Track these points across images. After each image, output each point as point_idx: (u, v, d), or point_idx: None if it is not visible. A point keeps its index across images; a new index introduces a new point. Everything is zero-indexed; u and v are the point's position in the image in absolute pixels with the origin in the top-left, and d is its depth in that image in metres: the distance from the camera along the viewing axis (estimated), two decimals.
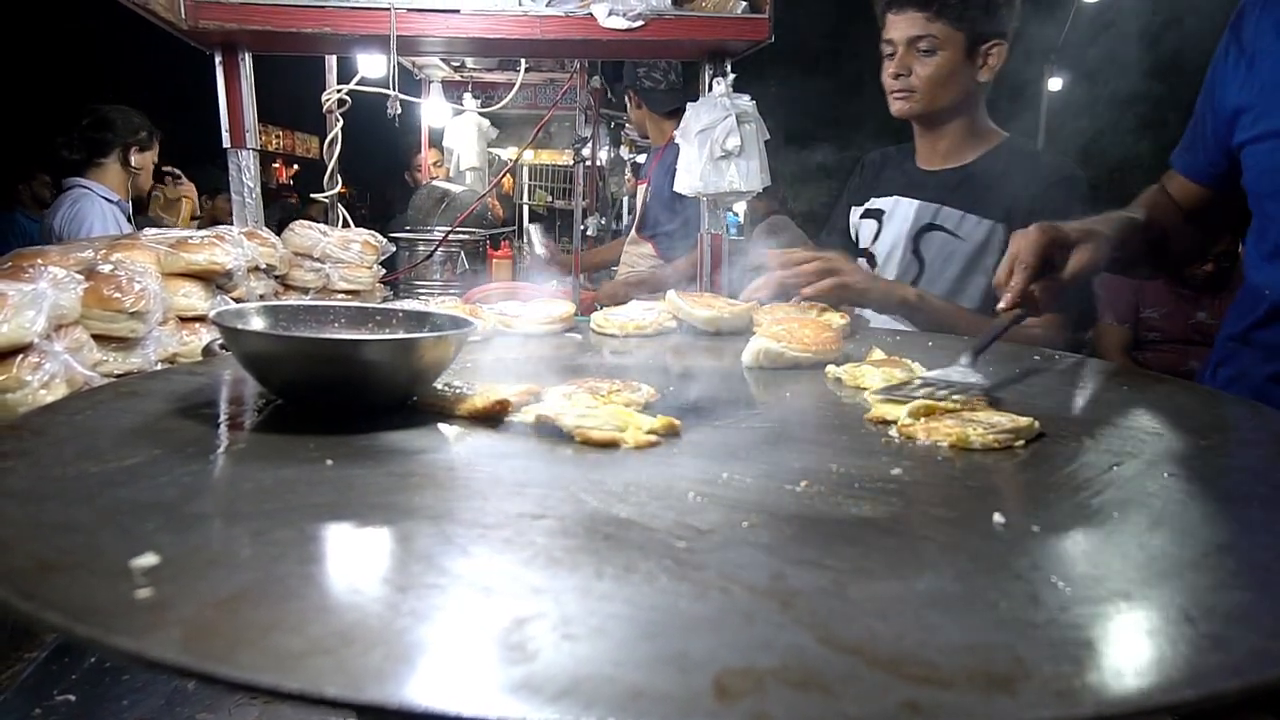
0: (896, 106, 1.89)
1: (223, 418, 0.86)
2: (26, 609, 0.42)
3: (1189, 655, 0.41)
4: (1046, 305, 1.16)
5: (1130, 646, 0.42)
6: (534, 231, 3.71)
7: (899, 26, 1.82)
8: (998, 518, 0.61)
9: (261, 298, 2.11)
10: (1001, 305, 1.17)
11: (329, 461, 0.71)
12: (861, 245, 2.08)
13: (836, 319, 1.40)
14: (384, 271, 2.61)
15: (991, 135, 1.95)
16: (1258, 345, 1.17)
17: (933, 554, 0.54)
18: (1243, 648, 0.41)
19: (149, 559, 0.48)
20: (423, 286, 3.01)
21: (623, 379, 1.01)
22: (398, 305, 1.14)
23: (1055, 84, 10.19)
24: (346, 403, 0.86)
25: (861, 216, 2.09)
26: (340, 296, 2.39)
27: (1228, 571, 0.52)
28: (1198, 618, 0.45)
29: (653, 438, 0.79)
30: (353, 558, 0.52)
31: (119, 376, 1.41)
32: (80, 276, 1.33)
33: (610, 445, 0.78)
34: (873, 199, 2.07)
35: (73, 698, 0.98)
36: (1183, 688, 0.38)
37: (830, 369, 1.14)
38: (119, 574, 0.47)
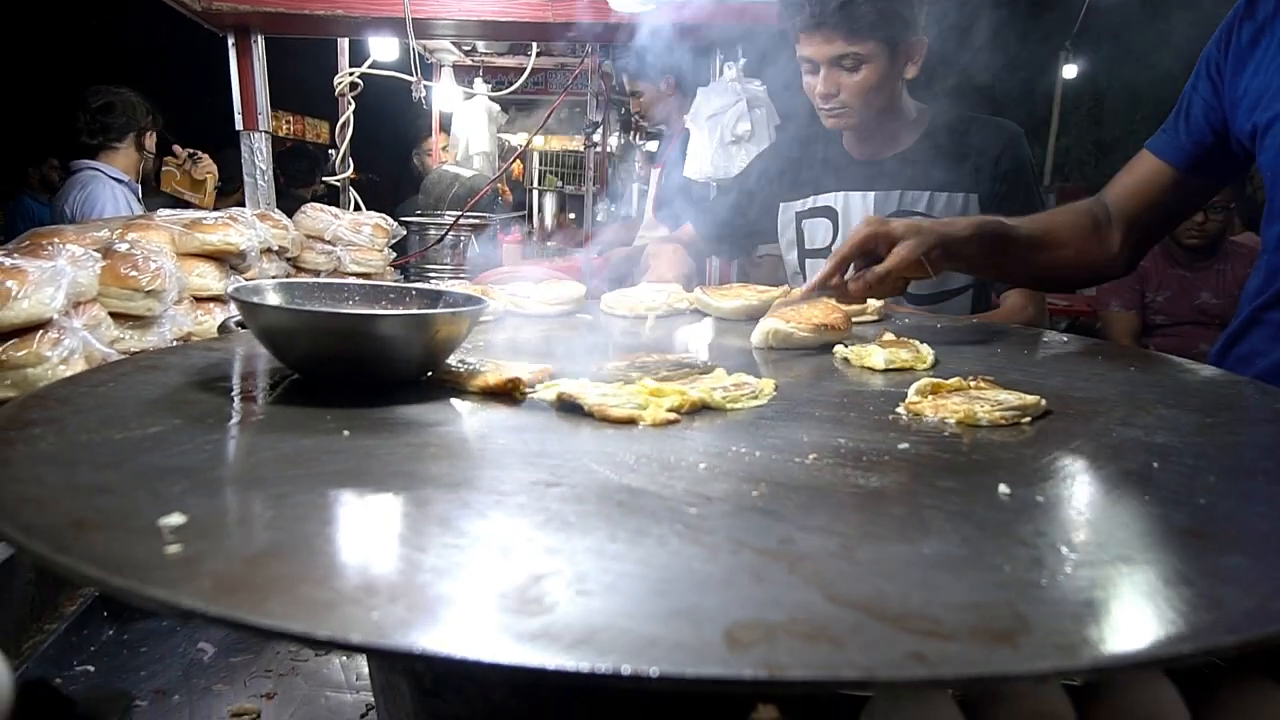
0: (830, 123, 1.85)
1: (240, 390, 0.88)
2: (64, 562, 0.44)
3: (1186, 613, 0.42)
4: (857, 295, 1.20)
5: (1129, 605, 0.43)
6: (548, 203, 3.69)
7: (817, 46, 1.75)
8: (1003, 488, 0.62)
9: (273, 279, 2.13)
10: (800, 291, 1.23)
11: (346, 433, 0.73)
12: (815, 246, 2.00)
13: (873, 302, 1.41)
14: (395, 255, 2.63)
15: (920, 114, 1.92)
16: (1270, 324, 1.17)
17: (939, 521, 0.55)
18: (1239, 607, 0.43)
19: (177, 518, 0.50)
20: (433, 271, 3.02)
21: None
22: (411, 285, 1.15)
23: (1070, 71, 10.08)
24: (361, 377, 0.88)
25: (805, 216, 2.00)
26: (351, 279, 2.40)
27: (1228, 538, 0.53)
28: (1196, 579, 0.46)
29: (672, 415, 0.80)
30: (373, 520, 0.53)
31: (135, 353, 1.43)
32: (98, 255, 1.35)
33: (629, 423, 0.79)
34: (814, 196, 1.98)
35: (91, 668, 1.01)
36: (1179, 643, 0.39)
37: (838, 349, 1.15)
38: (150, 532, 0.48)
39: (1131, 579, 0.46)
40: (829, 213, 1.96)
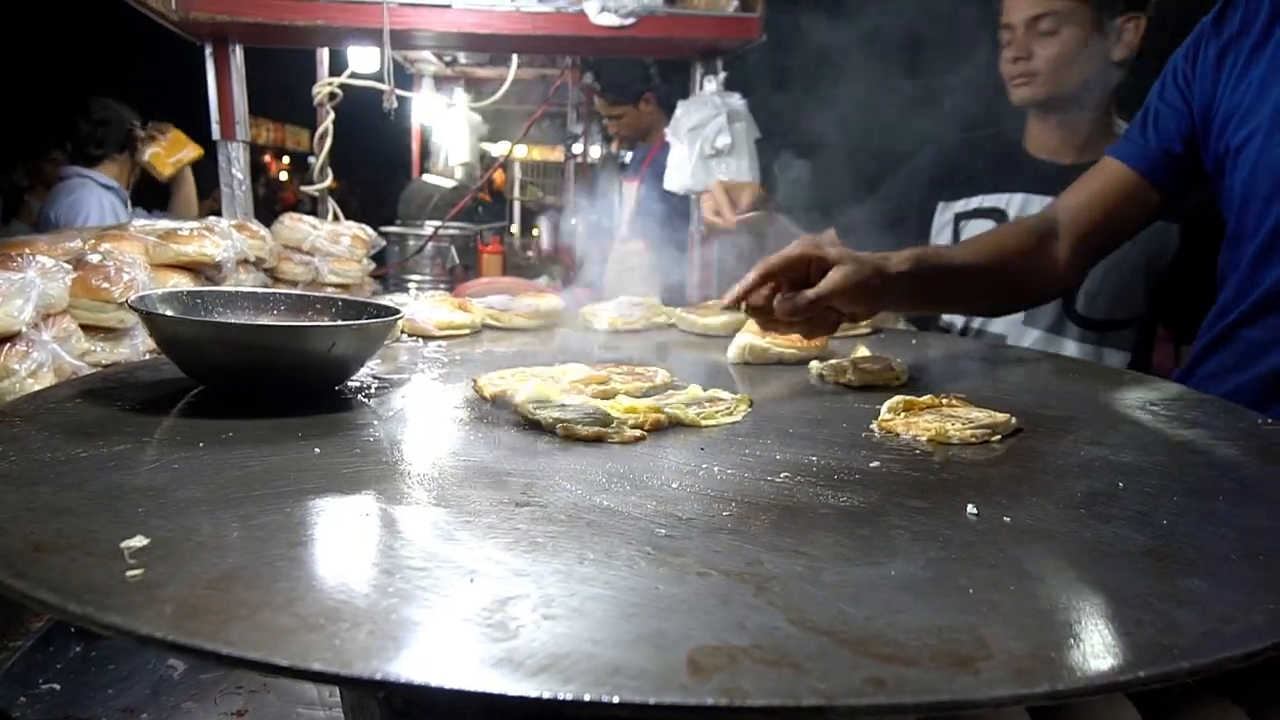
0: (1017, 94, 1.69)
1: (211, 405, 0.87)
2: (19, 587, 0.43)
3: (1142, 638, 0.42)
4: (781, 318, 1.08)
5: (1088, 629, 0.43)
6: (544, 224, 3.70)
7: (1016, 6, 1.62)
8: (970, 509, 0.62)
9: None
10: (723, 301, 1.11)
11: (317, 450, 0.73)
12: None
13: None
14: (374, 265, 2.62)
15: (1121, 130, 1.66)
16: (1243, 341, 1.18)
17: (905, 542, 0.56)
18: (1193, 632, 0.43)
19: (139, 541, 0.50)
20: (413, 281, 3.01)
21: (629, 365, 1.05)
22: (338, 295, 1.16)
23: None
24: (267, 389, 0.87)
25: (966, 217, 1.82)
26: (330, 289, 2.39)
27: (1187, 560, 0.53)
28: (1155, 602, 0.47)
29: (638, 434, 0.81)
30: (339, 542, 0.53)
31: (106, 366, 1.41)
32: (68, 266, 1.33)
33: (596, 440, 0.79)
34: (980, 196, 1.80)
35: (58, 686, 0.99)
36: (1134, 669, 0.39)
37: (813, 365, 1.16)
38: (111, 555, 0.48)
39: (1092, 601, 0.47)
40: (997, 215, 1.77)
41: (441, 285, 3.04)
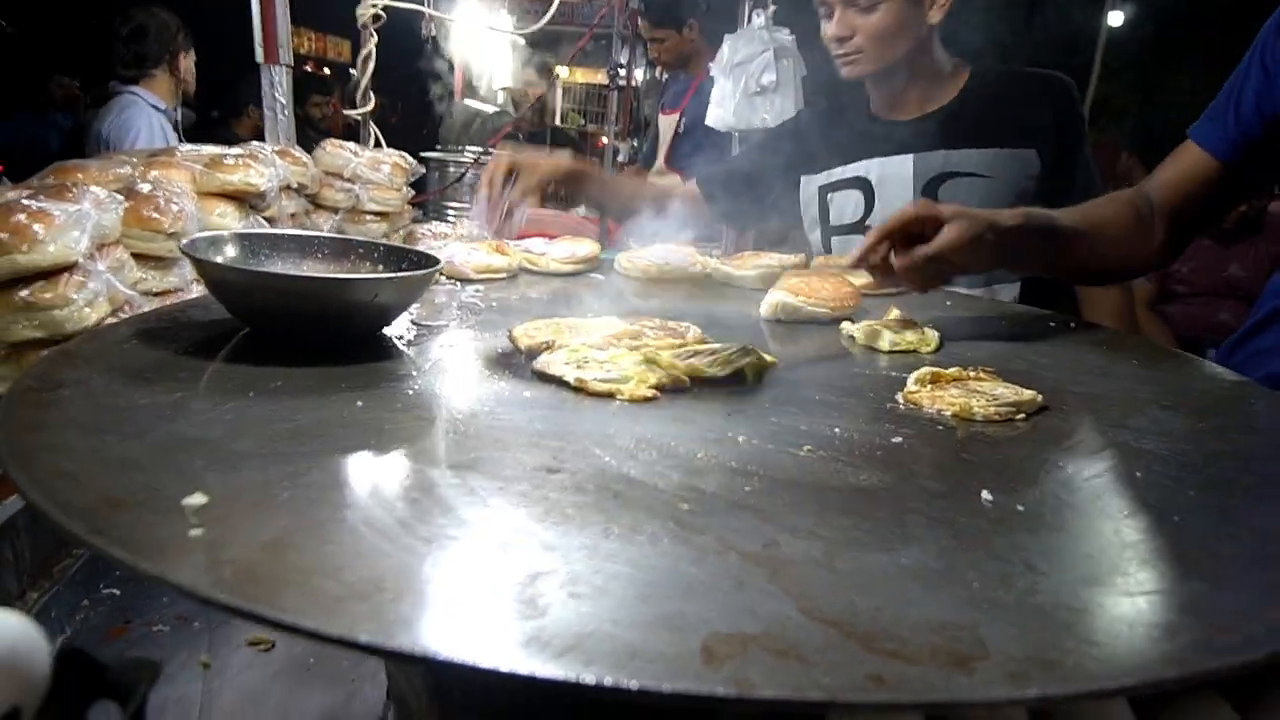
0: (845, 71, 1.73)
1: (258, 350, 0.90)
2: (98, 544, 0.47)
3: (1137, 643, 0.45)
4: (902, 275, 1.15)
5: (1085, 632, 0.46)
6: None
7: None
8: (986, 495, 0.64)
9: (293, 217, 2.15)
10: (846, 262, 1.18)
11: (360, 403, 0.76)
12: (844, 222, 1.85)
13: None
14: (413, 193, 2.63)
15: (957, 68, 1.77)
16: None
17: (919, 528, 0.58)
18: (1187, 638, 0.45)
19: (199, 499, 0.53)
20: (452, 209, 3.02)
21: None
22: (381, 241, 1.18)
23: (1115, 19, 9.67)
24: (313, 336, 0.91)
25: (831, 189, 1.86)
26: (370, 218, 2.42)
27: (1193, 561, 0.55)
28: (1155, 605, 0.49)
29: (651, 393, 0.83)
30: (382, 505, 0.56)
31: (157, 294, 1.46)
32: (120, 197, 1.37)
33: (608, 396, 0.82)
34: (841, 167, 1.84)
35: (117, 592, 1.07)
36: (1124, 675, 0.42)
37: (845, 326, 1.17)
38: (174, 512, 0.52)
39: (1092, 602, 0.49)
40: (860, 184, 1.82)
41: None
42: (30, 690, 0.42)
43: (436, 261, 1.02)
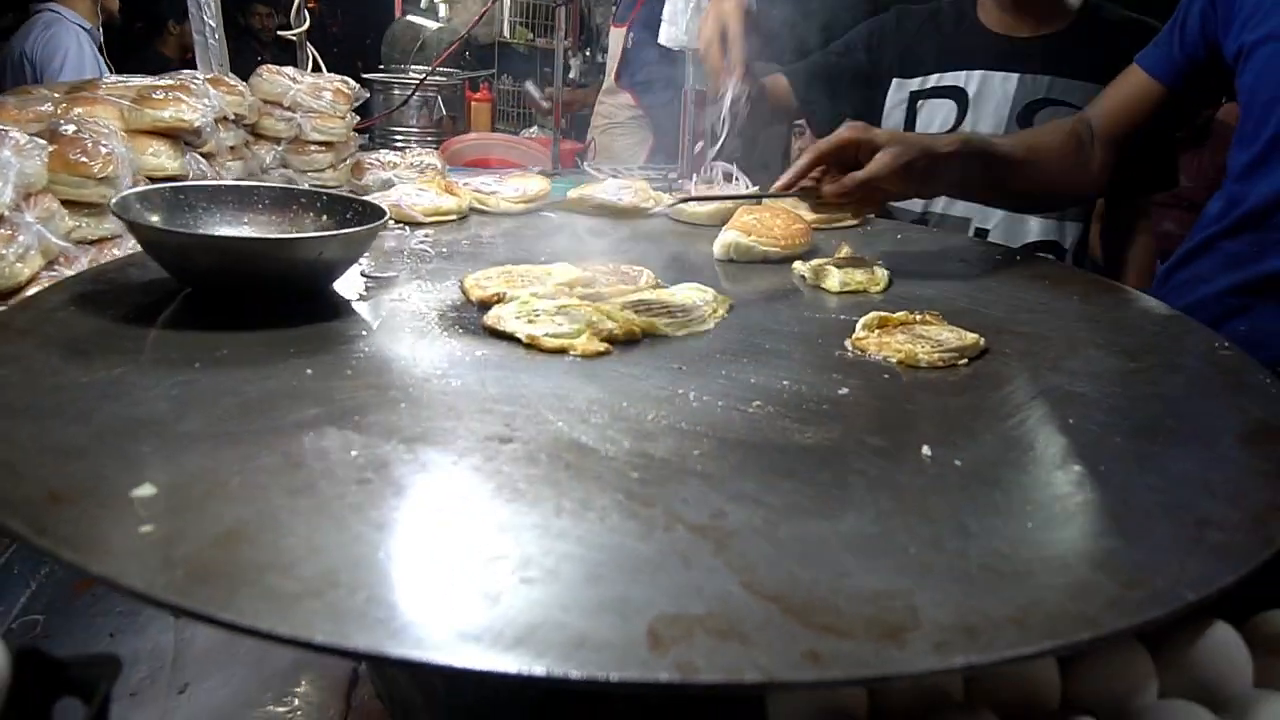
0: None
1: (201, 312, 0.88)
2: (44, 545, 0.47)
3: (1055, 605, 0.48)
4: (831, 199, 1.17)
5: (1008, 597, 0.48)
6: (530, 87, 3.55)
7: None
8: (925, 450, 0.67)
9: (232, 150, 2.07)
10: (776, 185, 1.20)
11: (309, 370, 0.76)
12: (929, 132, 1.73)
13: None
14: (358, 119, 2.54)
15: None
16: (1221, 252, 1.20)
17: (860, 492, 0.60)
18: (1101, 598, 0.49)
19: (148, 490, 0.53)
20: (399, 133, 2.92)
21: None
22: (323, 190, 1.15)
23: None
24: (252, 296, 0.89)
25: (924, 96, 1.75)
26: (314, 148, 2.34)
27: (1112, 515, 0.58)
28: (1073, 564, 0.52)
29: (603, 348, 0.83)
30: (335, 489, 0.56)
31: (93, 242, 1.41)
32: (43, 141, 1.30)
33: (559, 352, 0.82)
34: (938, 74, 1.73)
35: None
36: (1042, 639, 0.45)
37: (797, 265, 1.18)
38: (122, 506, 0.52)
39: (1017, 564, 0.52)
40: (956, 94, 1.70)
41: (429, 138, 2.96)
42: None
43: (383, 213, 0.99)
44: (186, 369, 0.74)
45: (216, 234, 0.96)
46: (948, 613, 0.47)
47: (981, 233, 1.68)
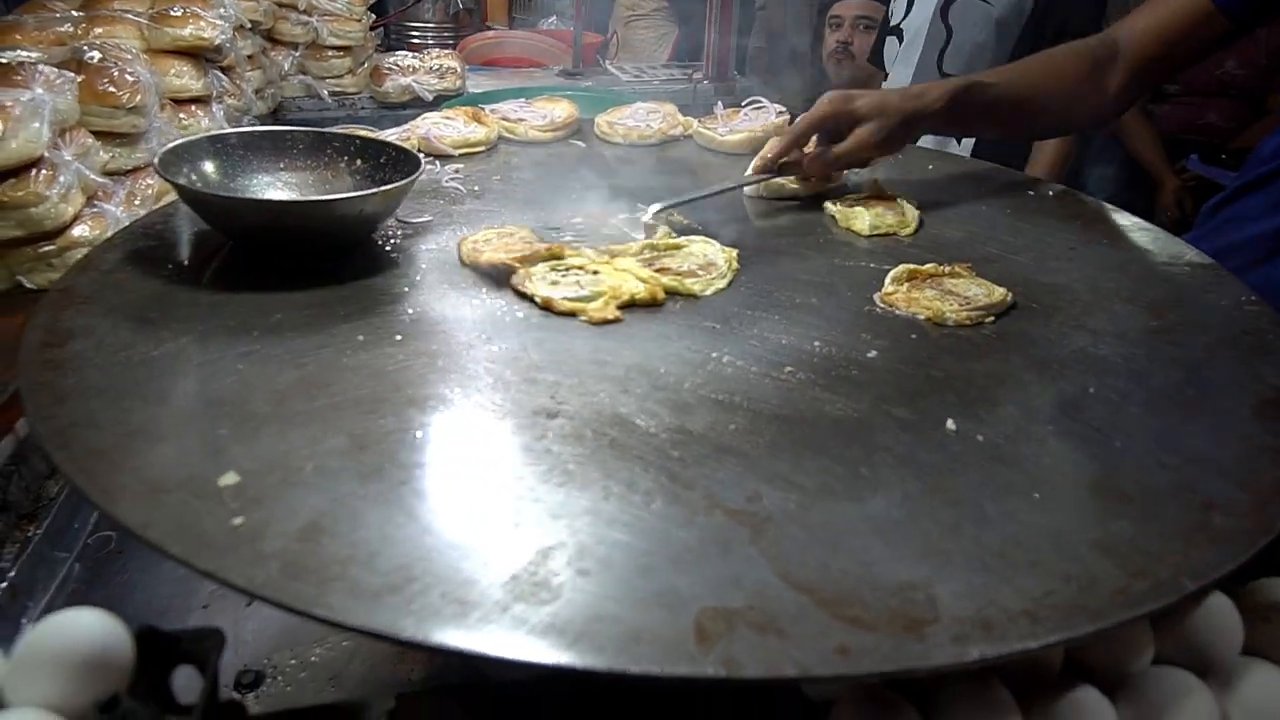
0: None
1: (249, 270, 0.91)
2: (149, 538, 0.53)
3: (1064, 597, 0.52)
4: (814, 174, 1.19)
5: (1021, 588, 0.53)
6: None
7: None
8: (950, 424, 0.70)
9: (250, 60, 2.04)
10: (749, 170, 1.20)
11: (360, 337, 0.79)
12: (893, 23, 2.20)
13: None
14: (373, 17, 2.47)
15: None
16: (1272, 192, 1.17)
17: (886, 471, 0.64)
18: (1107, 589, 0.53)
19: (231, 478, 0.59)
20: (414, 29, 2.84)
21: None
22: (356, 131, 1.14)
23: None
24: (298, 249, 0.93)
25: None
26: (331, 53, 2.30)
27: (1124, 497, 0.62)
28: (1084, 552, 0.57)
29: (616, 314, 0.85)
30: (398, 474, 0.61)
31: (128, 173, 1.43)
32: (71, 75, 1.30)
33: (571, 315, 0.85)
34: None
35: None
36: (1050, 633, 0.50)
37: (827, 205, 1.18)
38: (212, 496, 0.57)
39: (1032, 551, 0.56)
40: None
41: (446, 34, 2.88)
42: (123, 675, 0.49)
43: (417, 161, 1.00)
44: (246, 338, 0.78)
45: (261, 197, 0.98)
46: (965, 605, 0.51)
47: None
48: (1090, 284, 0.97)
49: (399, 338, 0.80)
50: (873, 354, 0.82)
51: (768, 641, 0.48)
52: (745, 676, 0.46)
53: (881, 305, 0.92)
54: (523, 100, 1.48)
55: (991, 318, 0.89)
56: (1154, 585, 0.54)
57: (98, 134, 1.36)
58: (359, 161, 1.07)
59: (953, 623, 0.50)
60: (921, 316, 0.89)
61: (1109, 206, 1.22)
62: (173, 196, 1.29)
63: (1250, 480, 0.65)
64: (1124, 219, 1.17)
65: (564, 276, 0.91)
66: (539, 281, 0.90)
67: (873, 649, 0.48)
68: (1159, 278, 1.00)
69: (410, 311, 0.86)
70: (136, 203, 1.36)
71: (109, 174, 1.36)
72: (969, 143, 2.00)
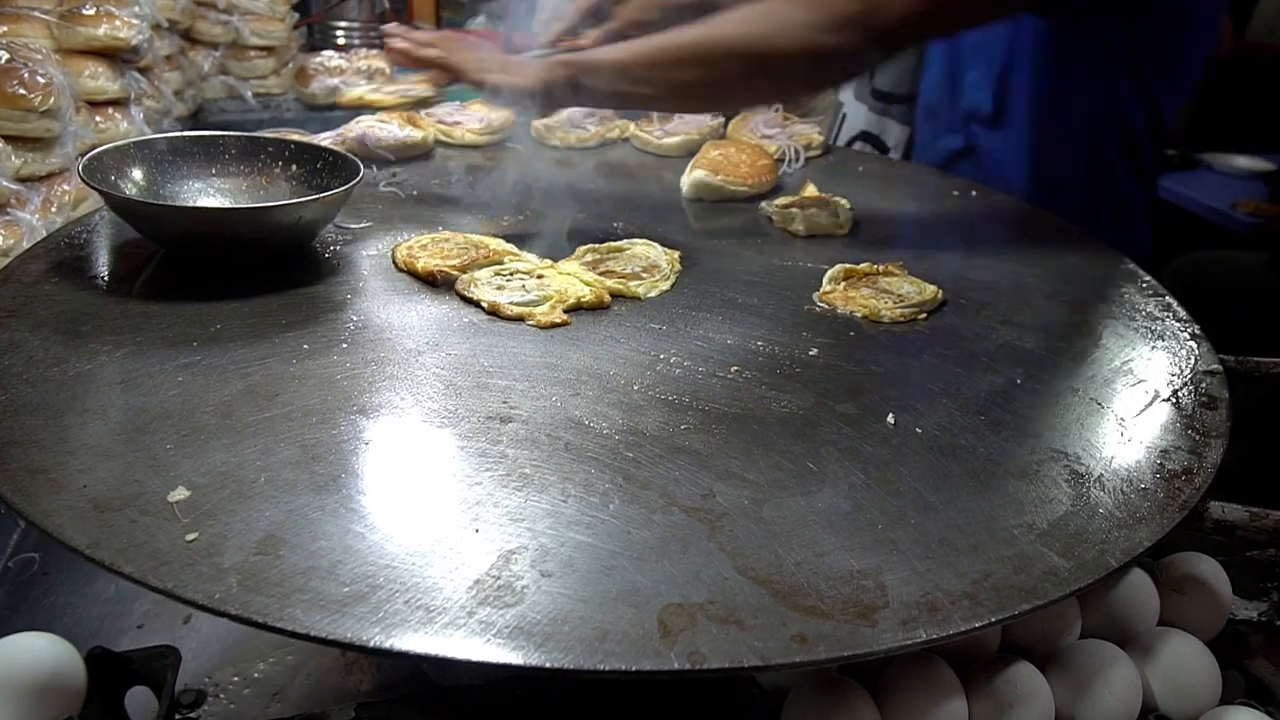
0: None
1: (184, 278, 0.89)
2: (102, 559, 0.51)
3: (1001, 577, 0.56)
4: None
5: (962, 571, 0.56)
6: None
7: None
8: (890, 419, 0.73)
9: (168, 60, 1.97)
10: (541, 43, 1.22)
11: (305, 346, 0.78)
12: None
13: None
14: (297, 16, 2.42)
15: None
16: None
17: (832, 464, 0.67)
18: (1038, 570, 0.57)
19: (181, 493, 0.57)
20: (340, 30, 2.78)
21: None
22: (289, 136, 1.13)
23: None
24: (231, 259, 0.91)
25: None
26: (254, 53, 2.23)
27: (1053, 480, 0.66)
28: (1018, 535, 0.60)
29: (562, 318, 0.87)
30: (354, 483, 0.61)
31: (42, 179, 1.37)
32: None
33: (518, 320, 0.86)
34: None
35: None
36: (990, 613, 0.53)
37: (763, 205, 1.21)
38: (163, 513, 0.56)
39: (971, 537, 0.59)
40: None
41: (372, 33, 2.83)
42: (75, 698, 0.48)
43: (356, 166, 0.99)
44: (186, 349, 0.76)
45: (195, 205, 0.96)
46: (912, 590, 0.54)
47: None
48: (1014, 280, 1.03)
49: (345, 345, 0.79)
50: (814, 352, 0.85)
51: (729, 633, 0.50)
52: (709, 668, 0.47)
53: (820, 304, 0.95)
54: (458, 103, 1.47)
55: (924, 314, 0.93)
56: (1082, 565, 0.58)
57: (8, 138, 1.30)
58: (294, 167, 1.05)
59: (901, 608, 0.53)
60: (858, 314, 0.92)
61: (1030, 205, 1.28)
62: (92, 204, 1.24)
63: (1162, 463, 0.70)
64: (1043, 218, 1.24)
65: (509, 281, 0.92)
66: (484, 287, 0.90)
67: (829, 636, 0.50)
68: (1073, 274, 1.06)
69: (355, 319, 0.85)
70: (53, 210, 1.30)
71: (22, 180, 1.30)
72: (901, 144, 2.01)
